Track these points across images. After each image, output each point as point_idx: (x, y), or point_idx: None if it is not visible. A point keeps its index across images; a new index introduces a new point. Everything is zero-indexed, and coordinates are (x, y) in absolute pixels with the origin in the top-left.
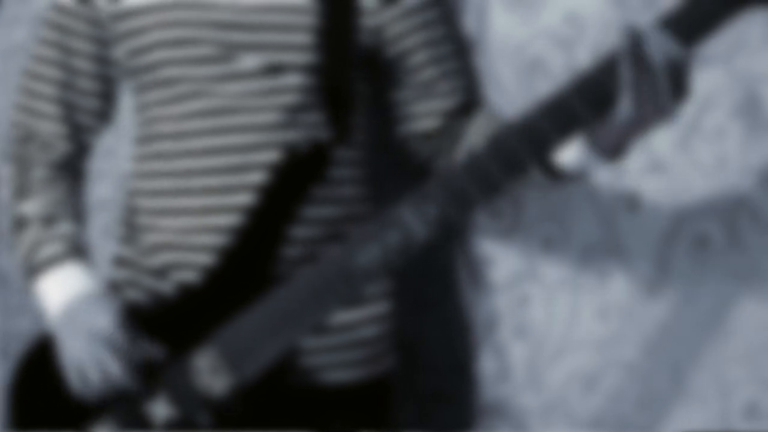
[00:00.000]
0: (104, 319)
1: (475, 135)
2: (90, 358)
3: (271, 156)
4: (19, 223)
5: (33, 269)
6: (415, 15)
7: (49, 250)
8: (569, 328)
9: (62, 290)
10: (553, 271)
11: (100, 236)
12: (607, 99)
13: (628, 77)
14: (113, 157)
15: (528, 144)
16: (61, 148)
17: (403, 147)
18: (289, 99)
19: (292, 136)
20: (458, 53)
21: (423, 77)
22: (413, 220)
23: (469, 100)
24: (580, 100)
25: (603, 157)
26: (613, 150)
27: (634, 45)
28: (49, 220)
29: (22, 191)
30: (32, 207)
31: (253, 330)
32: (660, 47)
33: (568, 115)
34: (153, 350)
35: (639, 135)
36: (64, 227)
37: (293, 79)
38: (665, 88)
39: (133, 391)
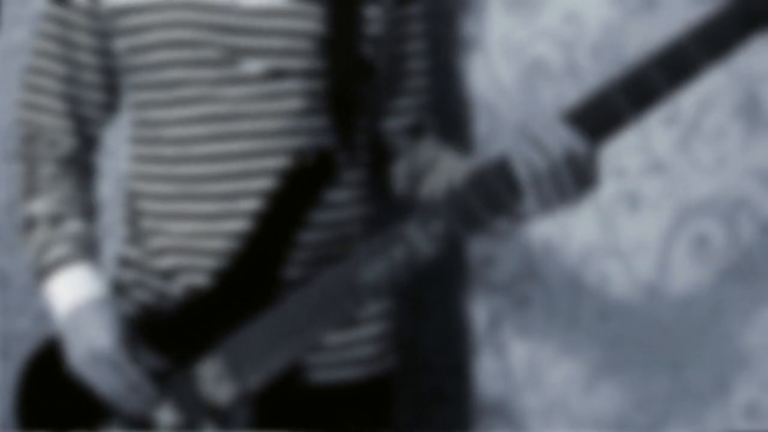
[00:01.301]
0: (105, 337)
1: (411, 170)
2: (94, 375)
3: (277, 162)
4: (28, 224)
5: (42, 271)
6: (405, 24)
7: (57, 251)
8: (569, 329)
9: (68, 293)
10: (553, 271)
11: (100, 236)
12: (506, 200)
13: (525, 177)
14: (113, 157)
15: (457, 220)
16: (68, 143)
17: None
18: (293, 104)
19: (298, 141)
20: (427, 72)
21: (393, 86)
22: (419, 236)
23: (422, 122)
24: (480, 203)
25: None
26: (523, 222)
27: (524, 151)
28: (56, 220)
29: (30, 190)
30: (40, 206)
31: (258, 341)
32: (559, 142)
33: (470, 216)
34: (154, 362)
35: (552, 214)
36: (71, 226)
37: (297, 85)
38: (568, 182)
39: (136, 406)
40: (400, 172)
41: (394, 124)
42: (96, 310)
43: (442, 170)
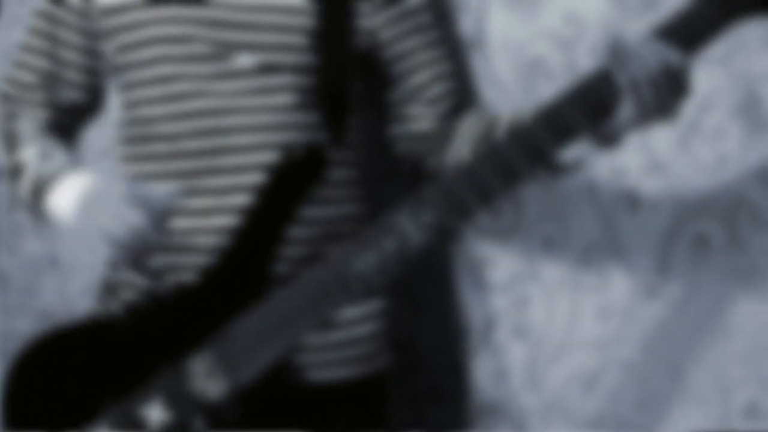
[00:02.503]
0: (124, 186)
1: (465, 137)
2: (124, 221)
3: (268, 157)
4: (16, 170)
5: (39, 190)
6: (410, 18)
7: (52, 164)
8: (569, 328)
9: (75, 186)
10: (553, 271)
11: None
12: (605, 106)
13: (625, 85)
14: (112, 157)
15: (526, 154)
16: (46, 126)
17: (394, 146)
18: (284, 99)
19: (288, 137)
20: (452, 56)
21: (417, 80)
22: (409, 227)
23: (461, 103)
24: (578, 109)
25: (600, 148)
26: (610, 142)
27: (621, 57)
28: (45, 156)
29: (13, 144)
30: (27, 151)
31: (248, 335)
32: (657, 54)
33: (565, 125)
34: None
35: (639, 131)
36: (64, 157)
37: (288, 80)
38: (665, 92)
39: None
40: (463, 145)
41: (432, 113)
42: (112, 187)
43: (512, 120)
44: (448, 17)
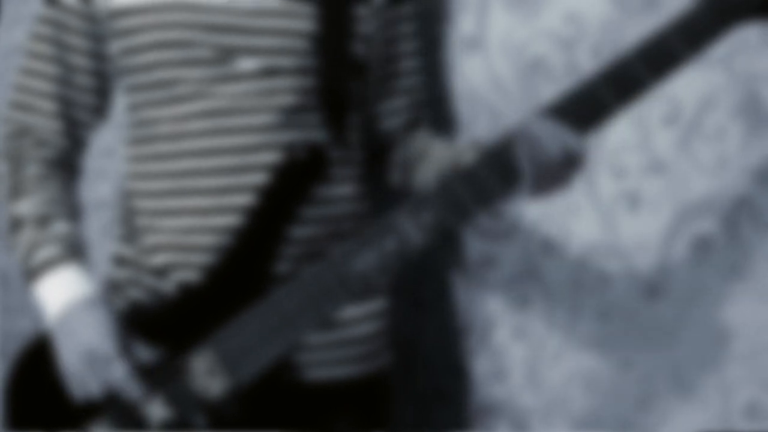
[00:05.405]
0: (97, 334)
1: (399, 160)
2: (86, 372)
3: (270, 157)
4: (15, 224)
5: (31, 272)
6: (401, 24)
7: (46, 252)
8: (569, 328)
9: (59, 294)
10: (553, 271)
11: (100, 236)
12: (513, 173)
13: (529, 172)
14: (113, 157)
15: (447, 210)
16: (58, 144)
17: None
18: (285, 100)
19: (290, 137)
20: (420, 70)
21: (389, 87)
22: (409, 226)
23: (414, 119)
24: (490, 173)
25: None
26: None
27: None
28: (43, 221)
29: (16, 191)
30: (27, 207)
31: (250, 333)
32: (558, 141)
33: (481, 188)
34: (147, 356)
35: (540, 198)
36: (59, 227)
37: (289, 82)
38: (564, 174)
39: (131, 397)
40: (393, 163)
41: (389, 123)
42: (89, 309)
43: (434, 159)
44: (448, 17)
